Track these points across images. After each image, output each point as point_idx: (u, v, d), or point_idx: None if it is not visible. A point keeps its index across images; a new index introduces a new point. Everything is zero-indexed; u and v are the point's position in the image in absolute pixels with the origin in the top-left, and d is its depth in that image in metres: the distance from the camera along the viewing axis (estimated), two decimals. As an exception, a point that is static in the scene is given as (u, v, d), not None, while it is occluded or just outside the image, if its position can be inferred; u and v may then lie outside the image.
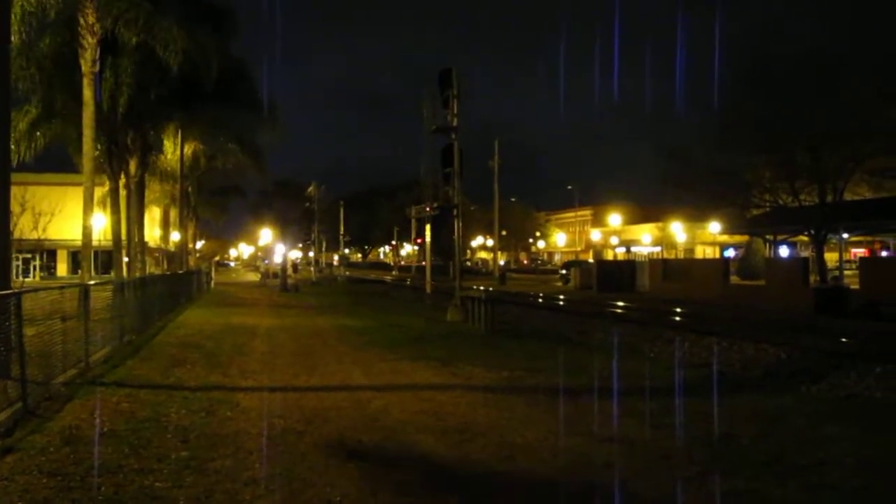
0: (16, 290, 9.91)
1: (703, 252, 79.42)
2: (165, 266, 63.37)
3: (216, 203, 59.30)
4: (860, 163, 30.35)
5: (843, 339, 17.40)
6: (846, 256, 49.04)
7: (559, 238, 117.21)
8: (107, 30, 20.44)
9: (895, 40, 30.38)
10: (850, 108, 28.89)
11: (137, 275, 26.57)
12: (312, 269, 79.97)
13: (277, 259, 63.52)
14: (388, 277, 78.93)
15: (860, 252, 61.28)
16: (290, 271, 57.39)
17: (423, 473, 6.88)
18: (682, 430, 8.47)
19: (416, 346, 16.70)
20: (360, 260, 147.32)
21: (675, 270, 40.92)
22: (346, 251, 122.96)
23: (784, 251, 44.81)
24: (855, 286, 28.56)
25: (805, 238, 39.15)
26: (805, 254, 46.63)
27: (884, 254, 58.84)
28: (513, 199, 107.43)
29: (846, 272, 39.84)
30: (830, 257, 41.74)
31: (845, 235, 39.41)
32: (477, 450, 7.65)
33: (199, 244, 76.32)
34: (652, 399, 10.16)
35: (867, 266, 31.89)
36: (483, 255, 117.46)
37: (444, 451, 7.64)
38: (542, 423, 8.92)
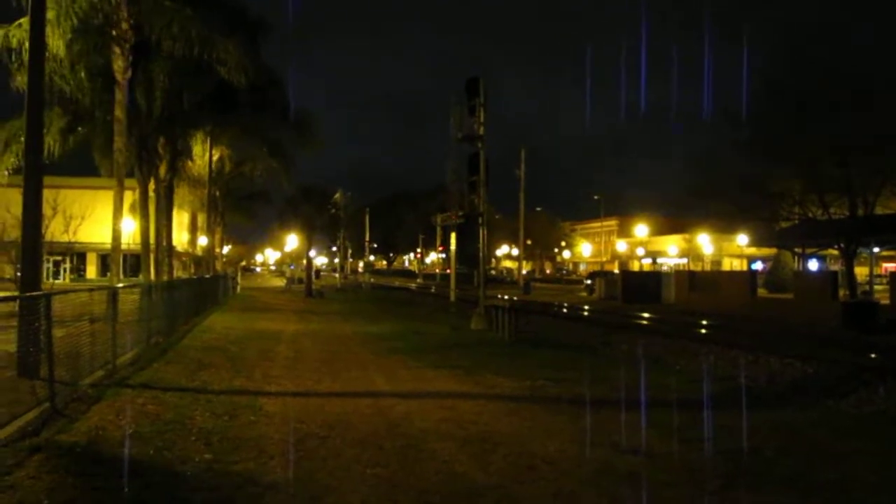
0: (46, 292, 10.07)
1: (731, 264, 78.71)
2: (192, 270, 63.95)
3: (243, 208, 59.74)
4: (890, 176, 29.94)
5: (872, 355, 17.13)
6: (877, 271, 48.39)
7: (584, 248, 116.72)
8: (145, 36, 20.73)
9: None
10: (877, 120, 28.54)
11: (165, 278, 26.84)
12: (337, 275, 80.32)
13: (314, 262, 63.82)
14: (413, 285, 78.99)
15: (891, 267, 60.37)
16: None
17: (444, 482, 6.87)
18: (706, 444, 8.41)
19: (439, 354, 16.73)
20: (384, 267, 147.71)
21: (702, 282, 40.58)
22: (371, 258, 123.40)
23: (813, 265, 44.29)
24: (885, 301, 28.14)
25: (835, 252, 38.64)
26: (834, 268, 46.04)
27: (915, 269, 57.93)
28: (538, 209, 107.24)
29: (876, 287, 39.27)
30: (860, 272, 41.13)
31: (876, 249, 38.89)
32: (498, 459, 7.65)
33: (226, 249, 76.94)
34: (676, 412, 10.07)
35: (898, 281, 31.39)
36: (508, 264, 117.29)
37: (466, 459, 7.64)
38: (564, 433, 8.89)
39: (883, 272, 56.74)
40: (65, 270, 61.84)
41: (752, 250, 65.78)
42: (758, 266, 65.02)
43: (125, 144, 20.99)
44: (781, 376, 14.68)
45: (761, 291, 38.30)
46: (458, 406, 10.48)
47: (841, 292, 31.13)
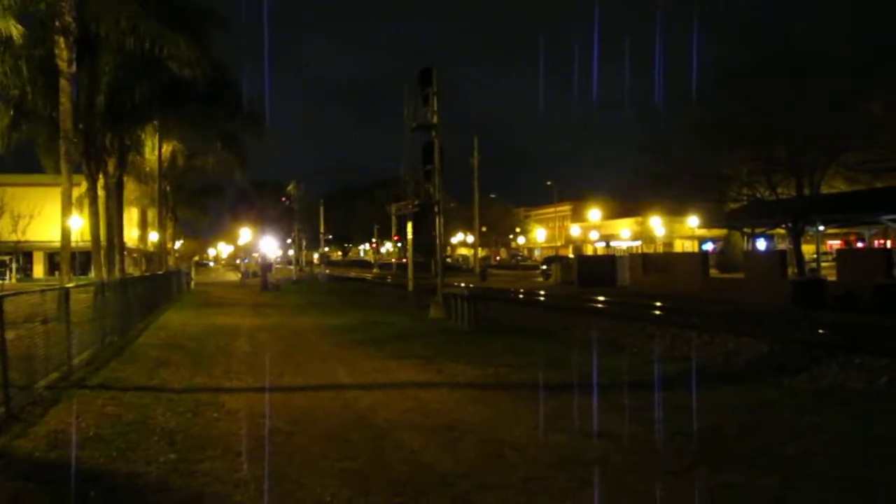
0: (-4, 294, 9.81)
1: (682, 246, 79.98)
2: (144, 267, 62.86)
3: (195, 203, 58.88)
4: (835, 157, 30.67)
5: (822, 331, 17.62)
6: (823, 248, 49.56)
7: (539, 234, 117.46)
8: (90, 29, 20.26)
9: (867, 37, 30.62)
10: (823, 104, 29.20)
11: (117, 276, 26.33)
12: (293, 267, 79.72)
13: (269, 255, 63.04)
14: (369, 275, 78.77)
15: (836, 244, 61.94)
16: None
17: (413, 472, 6.89)
18: (666, 425, 8.54)
19: (400, 344, 16.72)
20: (340, 258, 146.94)
21: (655, 264, 41.19)
22: (327, 249, 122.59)
23: (762, 244, 45.16)
24: (832, 277, 28.89)
25: (782, 231, 39.48)
26: (782, 246, 47.02)
27: (859, 245, 59.53)
28: (492, 196, 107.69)
29: (823, 264, 40.22)
30: (807, 250, 42.11)
31: (822, 228, 39.77)
32: (466, 448, 7.69)
33: (178, 244, 75.82)
34: (636, 394, 10.26)
35: (844, 258, 32.21)
36: (463, 251, 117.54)
37: (434, 449, 7.67)
38: (529, 419, 8.97)
39: (829, 249, 58.21)
40: (10, 271, 60.26)
41: (703, 231, 66.92)
42: (709, 247, 66.15)
43: (72, 133, 20.46)
44: (737, 355, 15.02)
45: (713, 272, 39.00)
46: (422, 396, 10.51)
47: (789, 270, 31.86)
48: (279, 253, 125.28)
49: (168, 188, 46.01)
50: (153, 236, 56.41)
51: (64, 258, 20.95)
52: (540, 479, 6.63)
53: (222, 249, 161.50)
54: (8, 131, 23.92)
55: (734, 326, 18.18)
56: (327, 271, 76.34)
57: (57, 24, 20.05)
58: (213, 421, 9.00)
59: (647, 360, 14.37)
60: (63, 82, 19.96)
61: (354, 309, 28.81)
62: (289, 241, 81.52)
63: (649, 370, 12.78)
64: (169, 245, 53.36)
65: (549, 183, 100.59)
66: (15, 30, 19.39)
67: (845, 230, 57.11)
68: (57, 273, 29.72)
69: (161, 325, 21.73)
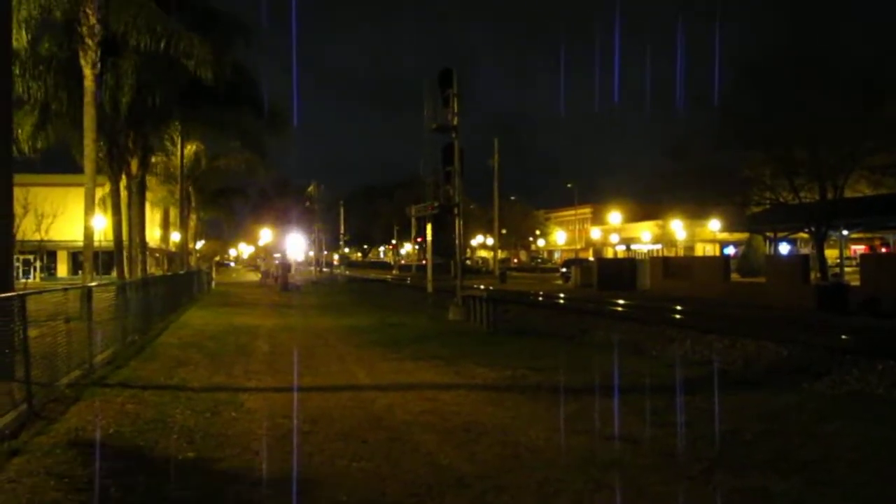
0: (20, 292, 9.92)
1: (703, 250, 79.36)
2: (166, 266, 63.39)
3: (217, 203, 59.36)
4: (859, 160, 30.36)
5: (844, 336, 17.41)
6: (846, 253, 49.06)
7: (559, 236, 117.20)
8: (113, 32, 20.48)
9: (890, 37, 30.36)
10: (847, 105, 28.94)
11: (139, 275, 26.57)
12: (313, 268, 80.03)
13: (293, 255, 63.16)
14: (389, 277, 78.91)
15: (860, 249, 61.23)
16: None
17: (429, 474, 6.89)
18: (686, 428, 8.49)
19: (418, 346, 16.73)
20: (359, 259, 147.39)
21: (676, 268, 40.92)
22: (346, 250, 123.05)
23: (784, 248, 44.81)
24: (856, 283, 28.57)
25: (805, 235, 39.15)
26: (805, 251, 46.62)
27: (884, 250, 58.85)
28: (512, 198, 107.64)
29: (846, 269, 39.84)
30: (831, 254, 41.70)
31: (845, 232, 39.41)
32: (483, 449, 7.68)
33: (199, 244, 76.37)
34: (655, 397, 10.19)
35: (868, 263, 31.83)
36: (483, 253, 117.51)
37: (451, 450, 7.66)
38: (546, 421, 8.94)
39: (852, 254, 57.57)
40: (35, 269, 60.96)
41: (725, 235, 66.39)
42: (730, 251, 65.68)
43: (95, 142, 20.72)
44: (757, 360, 14.86)
45: (734, 276, 38.67)
46: (440, 397, 10.51)
47: (812, 275, 31.56)
48: (302, 255, 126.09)
49: (190, 188, 46.42)
50: (175, 236, 56.79)
51: (87, 257, 21.21)
52: (557, 481, 6.60)
53: (243, 250, 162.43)
54: (34, 132, 24.22)
55: (755, 331, 17.99)
56: (347, 272, 76.59)
57: (81, 29, 20.31)
58: (232, 420, 9.04)
59: (667, 363, 14.27)
60: (86, 85, 20.21)
61: (373, 310, 28.85)
62: (309, 241, 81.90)
63: (669, 374, 12.70)
64: (190, 245, 53.81)
65: (569, 185, 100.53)
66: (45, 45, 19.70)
67: (869, 235, 56.56)
68: (80, 272, 30.06)
69: (181, 325, 21.88)
